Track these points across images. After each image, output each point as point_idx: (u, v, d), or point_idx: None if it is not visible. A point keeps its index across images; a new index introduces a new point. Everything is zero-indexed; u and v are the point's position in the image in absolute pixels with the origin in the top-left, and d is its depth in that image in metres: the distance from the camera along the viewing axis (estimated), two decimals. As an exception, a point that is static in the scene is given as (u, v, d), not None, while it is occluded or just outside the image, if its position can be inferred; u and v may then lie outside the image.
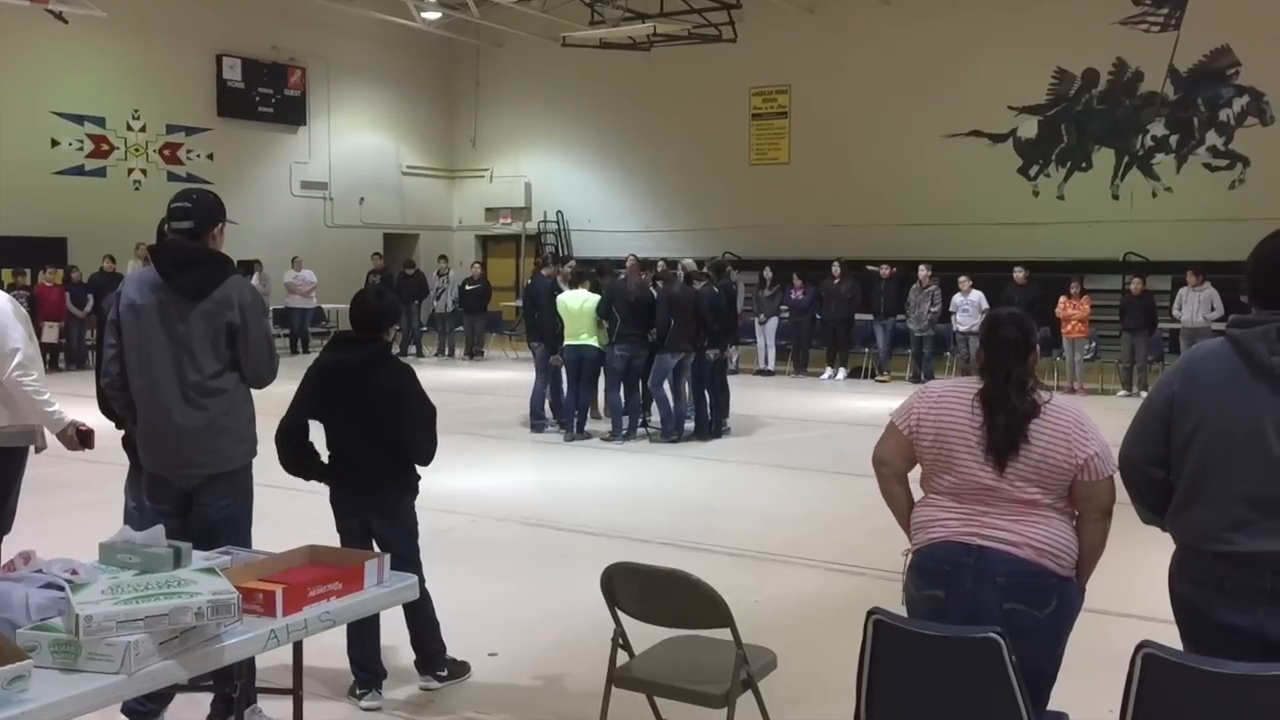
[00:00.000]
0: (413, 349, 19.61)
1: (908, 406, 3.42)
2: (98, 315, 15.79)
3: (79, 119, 19.69)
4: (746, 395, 13.43)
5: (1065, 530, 3.22)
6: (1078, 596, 3.28)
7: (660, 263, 13.42)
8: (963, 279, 16.06)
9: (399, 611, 4.28)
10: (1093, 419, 3.28)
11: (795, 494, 8.99)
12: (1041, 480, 3.19)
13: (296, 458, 4.58)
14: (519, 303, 18.14)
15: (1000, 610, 3.12)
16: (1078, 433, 3.19)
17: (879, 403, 13.23)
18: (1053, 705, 3.22)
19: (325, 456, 4.63)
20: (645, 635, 3.78)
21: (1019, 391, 3.22)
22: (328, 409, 4.54)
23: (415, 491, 4.65)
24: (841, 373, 16.99)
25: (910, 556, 3.37)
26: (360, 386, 4.48)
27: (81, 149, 19.78)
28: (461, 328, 19.97)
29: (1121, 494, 3.12)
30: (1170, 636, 2.88)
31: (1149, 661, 2.61)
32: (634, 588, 3.67)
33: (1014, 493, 3.19)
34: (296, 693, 3.68)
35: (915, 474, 3.46)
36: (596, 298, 10.91)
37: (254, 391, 4.26)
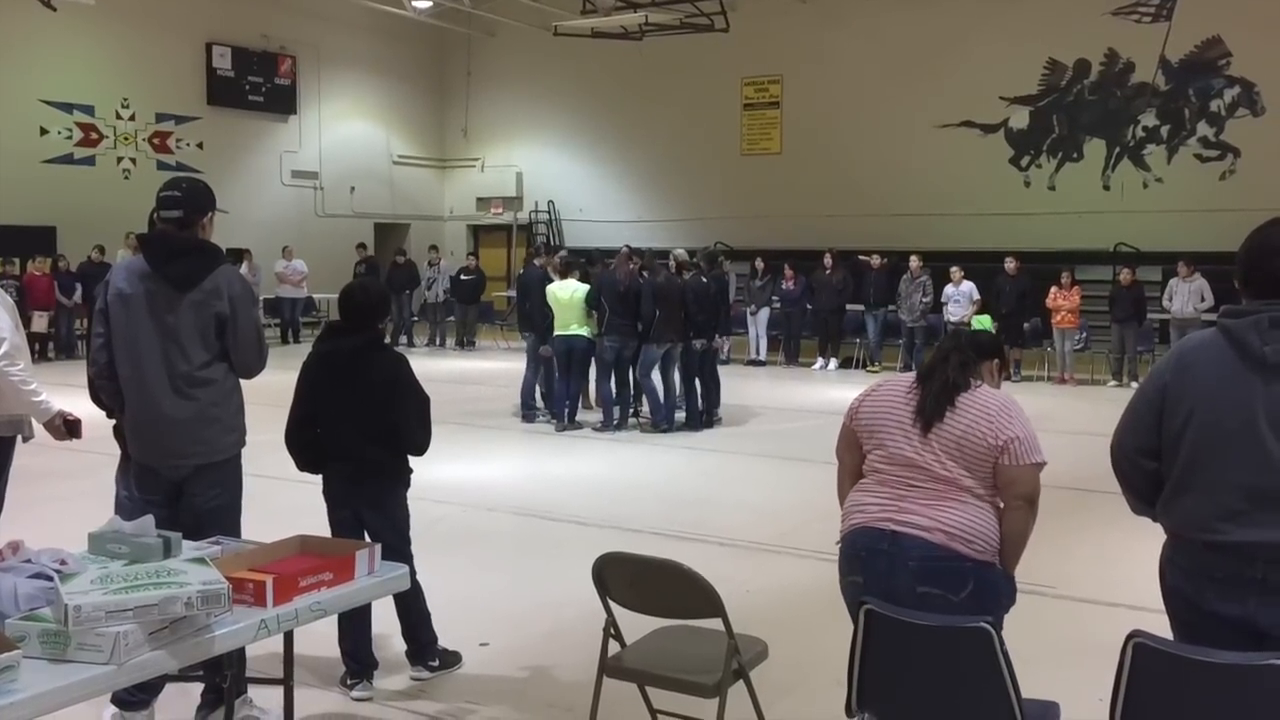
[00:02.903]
0: (404, 339, 19.58)
1: (853, 400, 3.58)
2: (87, 304, 15.81)
3: (68, 107, 19.59)
4: (738, 385, 13.44)
5: (983, 516, 3.28)
6: (1004, 582, 3.33)
7: (629, 254, 13.23)
8: (954, 269, 16.08)
9: (390, 601, 4.28)
10: (1023, 410, 3.38)
11: (787, 484, 9.00)
12: (964, 457, 3.27)
13: (310, 458, 4.58)
14: (510, 293, 18.13)
15: (915, 594, 3.18)
16: (1002, 415, 3.29)
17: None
18: (1043, 693, 3.22)
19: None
20: (637, 625, 3.78)
21: (957, 368, 3.37)
22: (323, 397, 4.52)
23: (407, 483, 4.63)
24: (833, 363, 17.01)
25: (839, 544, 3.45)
26: (356, 374, 4.47)
27: (70, 137, 19.68)
28: (453, 318, 19.94)
29: (1112, 484, 3.13)
30: (1160, 626, 2.89)
31: (1139, 651, 2.61)
32: (625, 578, 3.67)
33: (937, 470, 3.27)
34: (287, 683, 3.67)
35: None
36: (585, 288, 10.90)
37: (243, 382, 4.24)
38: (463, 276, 19.57)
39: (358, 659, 4.55)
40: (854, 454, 3.52)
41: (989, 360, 3.52)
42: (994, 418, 3.28)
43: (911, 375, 3.49)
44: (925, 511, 3.25)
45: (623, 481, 9.02)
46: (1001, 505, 3.32)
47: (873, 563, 3.27)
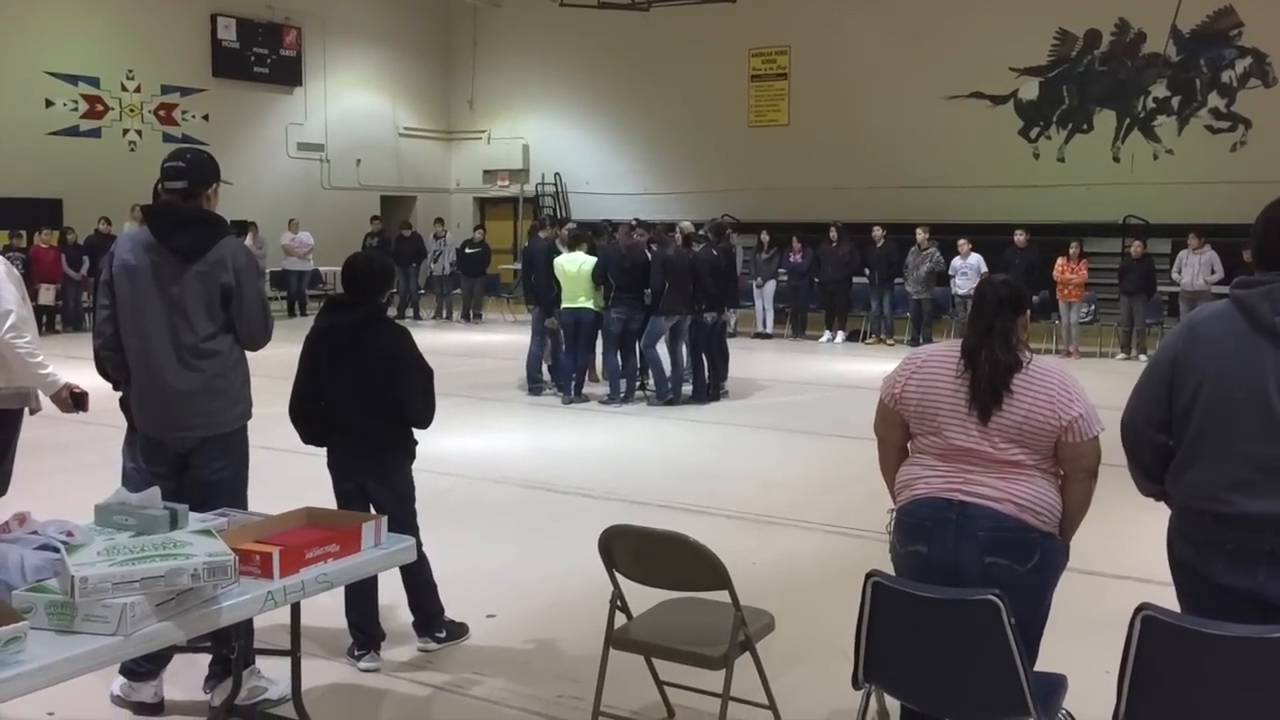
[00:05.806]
0: (410, 312, 19.57)
1: (891, 377, 3.44)
2: (94, 277, 15.81)
3: (73, 79, 19.54)
4: (745, 358, 13.42)
5: (1048, 488, 3.23)
6: (1062, 553, 3.30)
7: (632, 227, 13.09)
8: (962, 242, 16.00)
9: (397, 573, 4.28)
10: (1078, 380, 3.29)
11: (793, 457, 9.00)
12: (1024, 441, 3.20)
13: (315, 431, 4.58)
14: (517, 265, 18.10)
15: (982, 565, 3.14)
16: (1062, 395, 3.19)
17: (877, 365, 13.20)
18: (1050, 666, 3.22)
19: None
20: (643, 597, 3.78)
21: (1002, 343, 3.24)
22: (325, 373, 4.51)
23: (412, 455, 4.63)
24: (840, 335, 16.98)
25: (894, 514, 3.40)
26: (357, 349, 4.45)
27: (76, 109, 19.64)
28: (459, 290, 19.91)
29: (1119, 457, 3.11)
30: (1167, 598, 2.88)
31: (1148, 624, 2.61)
32: (632, 550, 3.67)
33: (997, 455, 3.20)
34: (294, 654, 3.69)
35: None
36: (593, 260, 10.86)
37: (249, 354, 4.23)
38: (467, 250, 19.53)
39: (364, 630, 4.56)
40: (898, 432, 3.42)
41: (1023, 315, 3.36)
42: (1054, 399, 3.18)
43: (954, 350, 3.32)
44: (994, 483, 3.19)
45: (629, 454, 9.02)
46: (1061, 474, 3.27)
47: (940, 533, 3.20)
